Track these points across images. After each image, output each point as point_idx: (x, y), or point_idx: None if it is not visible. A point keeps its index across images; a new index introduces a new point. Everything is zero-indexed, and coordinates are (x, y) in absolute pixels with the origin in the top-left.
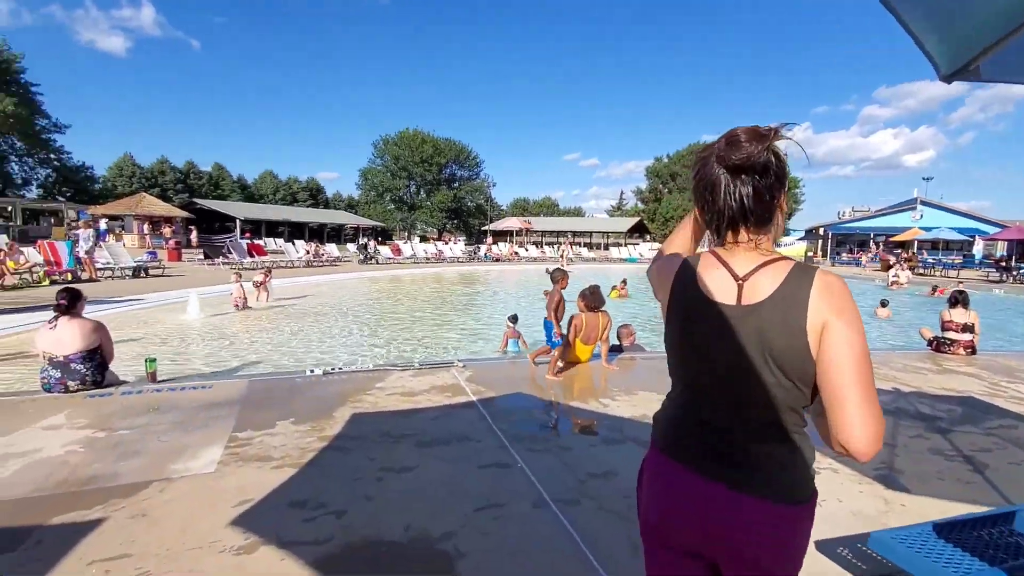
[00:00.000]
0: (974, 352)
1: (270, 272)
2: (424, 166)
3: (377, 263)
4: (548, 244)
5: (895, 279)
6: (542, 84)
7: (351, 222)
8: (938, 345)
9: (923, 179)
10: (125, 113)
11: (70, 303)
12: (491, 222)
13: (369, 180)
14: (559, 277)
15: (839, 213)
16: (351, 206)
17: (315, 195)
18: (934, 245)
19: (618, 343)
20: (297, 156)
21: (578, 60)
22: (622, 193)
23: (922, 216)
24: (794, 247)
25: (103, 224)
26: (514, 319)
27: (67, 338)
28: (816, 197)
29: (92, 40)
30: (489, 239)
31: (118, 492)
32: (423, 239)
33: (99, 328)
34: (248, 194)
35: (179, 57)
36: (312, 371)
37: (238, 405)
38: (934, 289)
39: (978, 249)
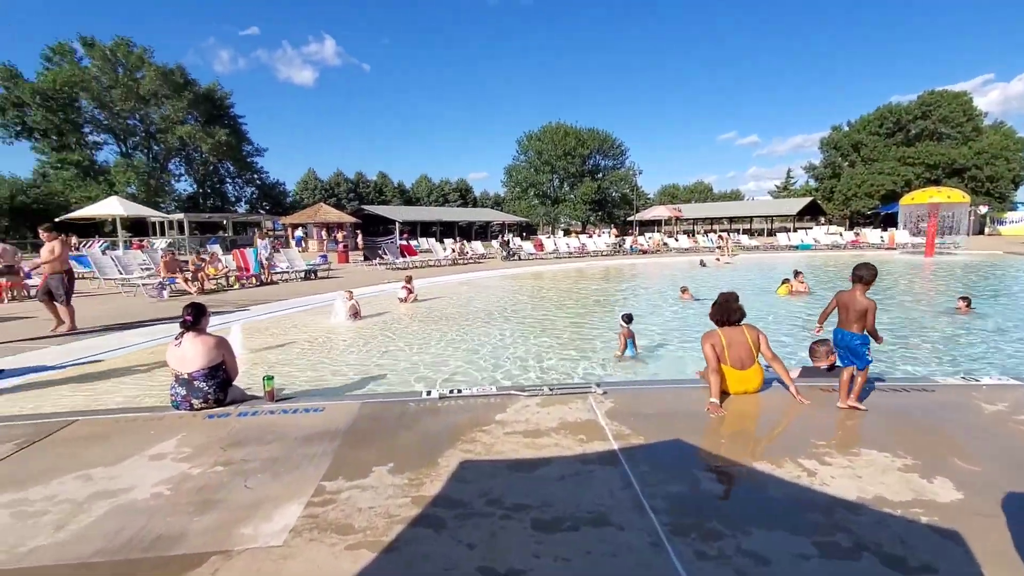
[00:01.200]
0: None
1: (410, 280)
2: (567, 159)
3: (519, 259)
4: (701, 233)
5: None
6: (690, 61)
7: (496, 219)
8: None
9: None
10: (309, 133)
11: (195, 319)
12: (636, 212)
13: (513, 177)
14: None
15: None
16: (497, 203)
17: (464, 195)
18: None
19: (812, 364)
20: (449, 159)
21: (730, 31)
22: (789, 171)
23: None
24: (1019, 225)
25: (300, 232)
26: (628, 318)
27: (190, 355)
28: None
29: (288, 76)
30: (635, 230)
31: (174, 565)
32: (566, 232)
33: (221, 344)
34: (407, 198)
35: (354, 81)
36: (428, 393)
37: (340, 437)
38: None
39: None
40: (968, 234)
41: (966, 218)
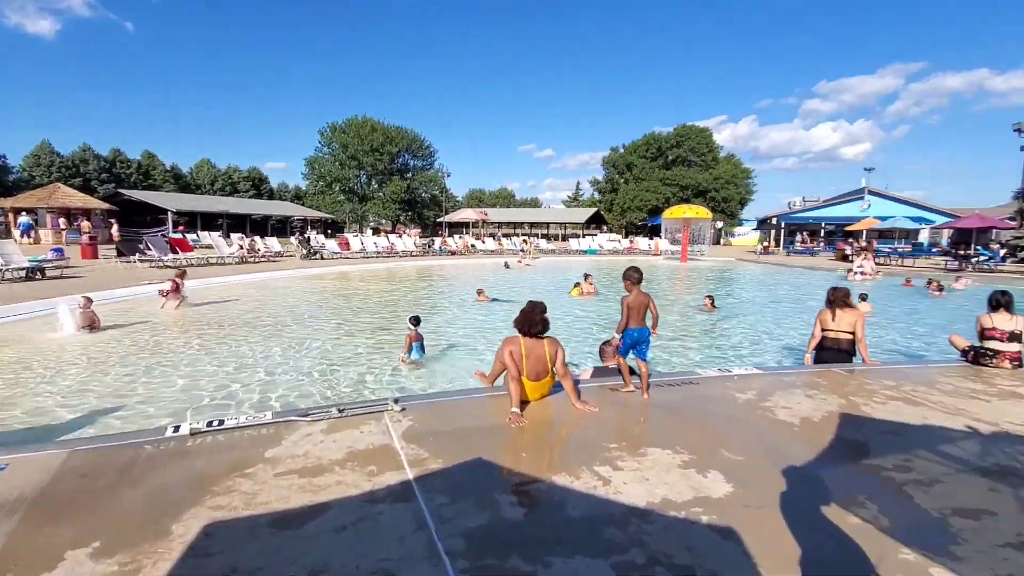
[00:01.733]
0: (1020, 365)
1: (184, 275)
2: (375, 155)
3: (322, 258)
4: (506, 236)
5: (861, 270)
6: (495, 76)
7: (297, 214)
8: (976, 356)
9: (865, 170)
10: (47, 96)
11: None
12: (446, 213)
13: (316, 169)
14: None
15: (790, 203)
16: (299, 197)
17: (258, 185)
18: (882, 234)
19: (603, 364)
20: (238, 145)
21: (531, 53)
22: (578, 184)
23: (869, 206)
24: (747, 237)
25: (25, 218)
26: (415, 320)
27: None
28: (764, 189)
29: (19, 23)
30: (444, 231)
31: None
32: (376, 231)
33: None
34: (183, 184)
35: (111, 40)
36: (175, 429)
37: (23, 509)
38: (923, 282)
39: (924, 237)
40: (710, 244)
41: (709, 231)
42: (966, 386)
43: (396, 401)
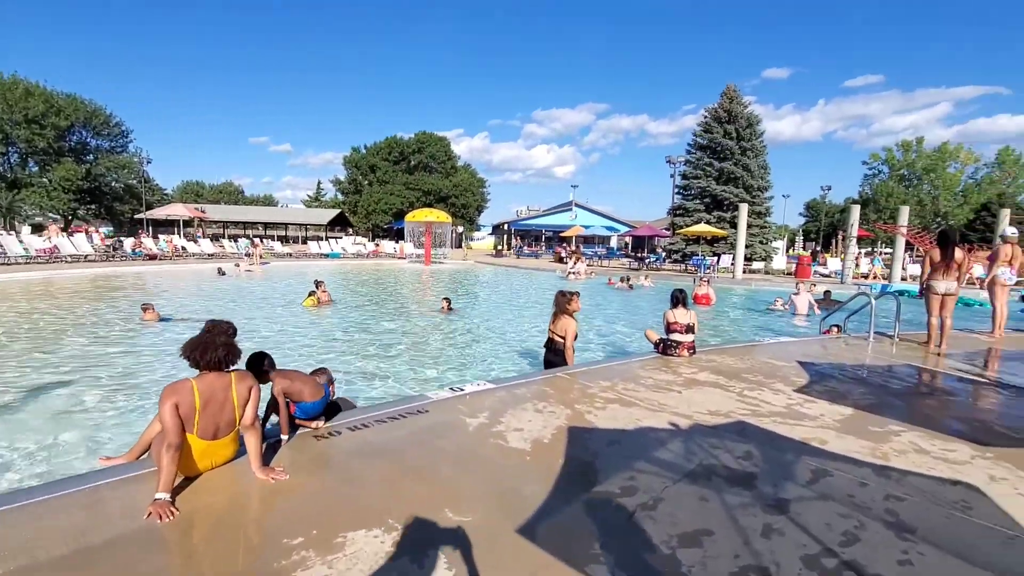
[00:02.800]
0: (694, 352)
1: None
2: (32, 128)
3: None
4: (233, 237)
5: (575, 271)
6: (220, 59)
7: None
8: (665, 347)
9: (572, 186)
10: None
11: None
12: (148, 208)
13: None
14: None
15: (517, 212)
16: None
17: None
18: (585, 239)
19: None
20: None
21: (266, 43)
22: (319, 183)
23: (576, 216)
24: (484, 241)
25: None
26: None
27: None
28: (494, 198)
29: None
30: (145, 230)
31: None
32: (39, 228)
33: None
34: None
35: None
36: None
37: None
38: (625, 279)
39: (613, 243)
40: (452, 247)
41: (450, 235)
42: (662, 378)
43: None
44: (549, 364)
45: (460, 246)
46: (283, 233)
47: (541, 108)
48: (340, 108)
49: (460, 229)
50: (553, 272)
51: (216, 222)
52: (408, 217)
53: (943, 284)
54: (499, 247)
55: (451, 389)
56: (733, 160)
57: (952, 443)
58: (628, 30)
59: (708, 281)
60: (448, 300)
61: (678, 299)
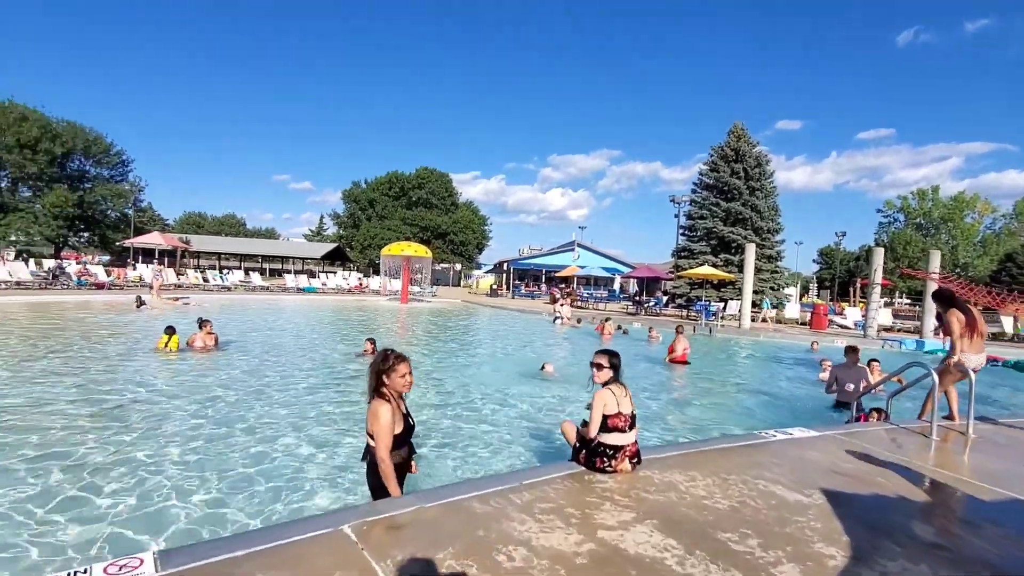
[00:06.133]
0: (639, 462)
1: None
2: (24, 153)
3: None
4: (231, 269)
5: (559, 315)
6: (243, 95)
7: None
8: (591, 455)
9: (579, 227)
10: None
11: None
12: (136, 235)
13: None
14: None
15: (519, 251)
16: None
17: None
18: (588, 281)
19: None
20: None
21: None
22: (322, 218)
23: (579, 256)
24: (483, 279)
25: None
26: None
27: None
28: (507, 239)
29: None
30: (133, 259)
31: None
32: (25, 255)
33: None
34: None
35: None
36: None
37: None
38: (610, 323)
39: (616, 286)
40: (440, 284)
41: (429, 269)
42: (561, 544)
43: None
44: (372, 488)
45: (459, 283)
46: (279, 266)
47: (557, 153)
48: (360, 149)
49: (458, 267)
50: (538, 314)
51: (209, 253)
52: (384, 251)
53: (976, 357)
54: (495, 286)
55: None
56: (741, 200)
57: None
58: (644, 80)
59: (682, 331)
60: (372, 341)
61: (614, 366)
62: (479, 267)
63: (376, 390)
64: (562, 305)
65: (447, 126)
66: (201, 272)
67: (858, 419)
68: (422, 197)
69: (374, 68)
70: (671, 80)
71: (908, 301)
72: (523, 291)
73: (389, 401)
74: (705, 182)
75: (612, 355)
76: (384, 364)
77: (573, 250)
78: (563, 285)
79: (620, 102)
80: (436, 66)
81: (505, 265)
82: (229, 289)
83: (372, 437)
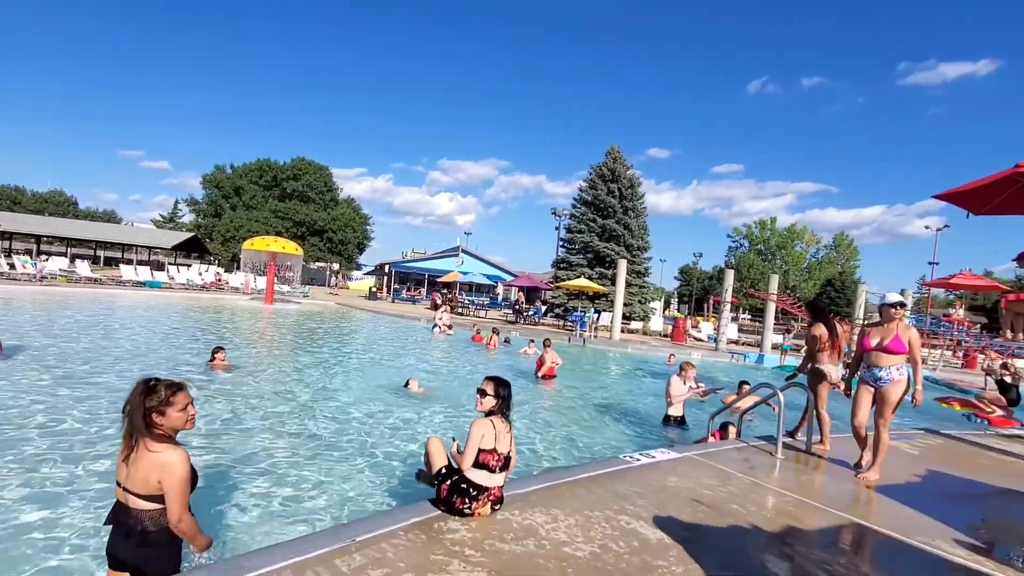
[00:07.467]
0: (500, 504)
1: None
2: None
3: None
4: (50, 255)
5: (441, 321)
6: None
7: None
8: (453, 492)
9: (465, 233)
10: None
11: None
12: None
13: None
14: None
15: (403, 253)
16: None
17: None
18: (470, 287)
19: None
20: None
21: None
22: (177, 202)
23: (463, 262)
24: (362, 281)
25: None
26: None
27: None
28: (391, 240)
29: None
30: None
31: None
32: None
33: None
34: None
35: None
36: None
37: None
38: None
39: (499, 292)
40: (327, 285)
41: (300, 268)
42: None
43: None
44: (146, 564)
45: (334, 285)
46: (119, 255)
47: (447, 157)
48: (231, 131)
49: (336, 267)
50: (416, 320)
51: (26, 235)
52: (245, 245)
53: (836, 369)
54: (374, 289)
55: None
56: (615, 218)
57: None
58: (532, 94)
59: (549, 343)
60: (221, 350)
61: (502, 397)
62: (359, 268)
63: (149, 432)
64: (444, 312)
65: (331, 118)
66: (6, 257)
67: (714, 435)
68: (297, 189)
69: (252, 45)
70: (558, 98)
71: (749, 317)
72: (404, 295)
73: (178, 445)
74: (584, 198)
75: (501, 384)
76: (152, 400)
77: (457, 255)
78: (445, 291)
79: (510, 114)
80: (322, 49)
81: (387, 267)
82: (42, 280)
83: (148, 498)
